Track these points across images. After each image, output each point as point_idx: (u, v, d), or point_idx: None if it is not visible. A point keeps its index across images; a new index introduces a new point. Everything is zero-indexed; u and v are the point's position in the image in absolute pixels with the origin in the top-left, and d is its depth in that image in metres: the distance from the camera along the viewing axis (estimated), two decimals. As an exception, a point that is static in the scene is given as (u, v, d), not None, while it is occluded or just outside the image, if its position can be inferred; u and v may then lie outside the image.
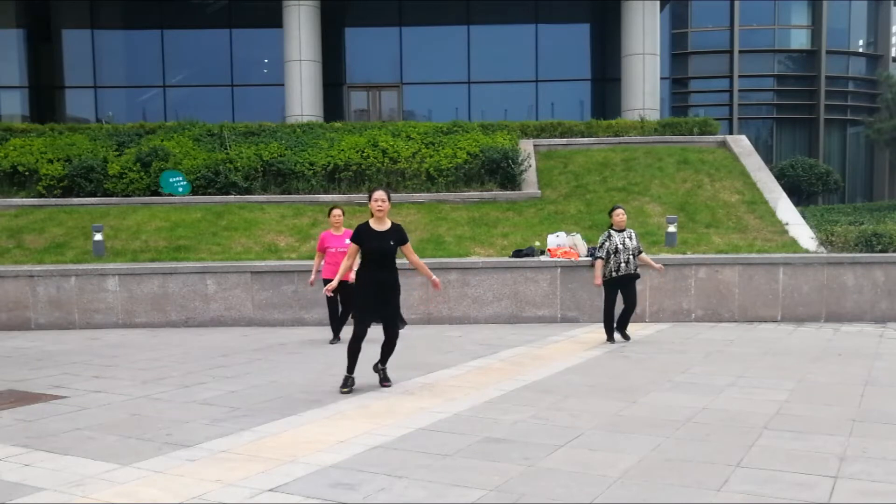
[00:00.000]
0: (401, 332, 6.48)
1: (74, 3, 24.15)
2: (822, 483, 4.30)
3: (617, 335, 9.31)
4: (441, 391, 6.71)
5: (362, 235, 6.50)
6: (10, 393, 6.86)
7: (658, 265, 9.52)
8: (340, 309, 9.38)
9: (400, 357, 8.45)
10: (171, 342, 9.76)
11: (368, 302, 6.53)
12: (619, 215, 9.08)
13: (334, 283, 6.93)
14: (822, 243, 12.20)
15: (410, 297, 11.09)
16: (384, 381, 6.91)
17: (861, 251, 11.48)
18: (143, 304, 11.13)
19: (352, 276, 8.29)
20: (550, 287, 11.10)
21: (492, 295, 11.12)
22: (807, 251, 11.84)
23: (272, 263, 11.33)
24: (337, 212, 9.44)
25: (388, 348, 6.88)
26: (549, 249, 11.58)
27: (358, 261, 6.80)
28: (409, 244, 6.69)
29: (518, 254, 11.59)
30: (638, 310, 11.00)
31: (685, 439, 5.19)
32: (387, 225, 6.55)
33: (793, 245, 12.16)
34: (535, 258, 11.39)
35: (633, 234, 9.14)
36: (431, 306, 11.12)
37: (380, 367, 6.96)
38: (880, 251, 11.39)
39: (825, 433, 5.29)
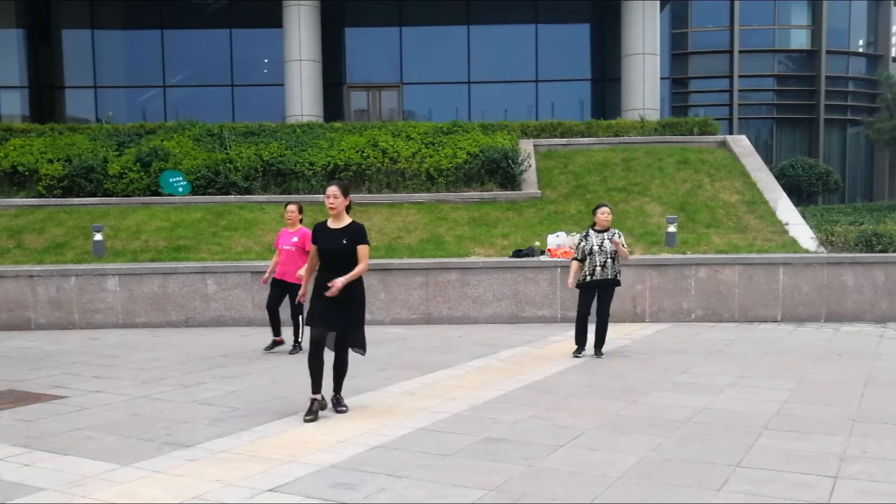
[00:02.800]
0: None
1: (74, 3, 24.14)
2: (822, 483, 4.31)
3: (595, 353, 8.42)
4: (441, 391, 6.71)
5: (316, 233, 5.99)
6: (10, 393, 6.85)
7: (624, 250, 8.28)
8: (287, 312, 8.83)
9: (400, 357, 8.46)
10: (171, 342, 9.76)
11: (316, 306, 5.85)
12: (602, 214, 8.24)
13: (304, 290, 6.36)
14: (822, 243, 12.20)
15: (410, 297, 11.10)
16: (337, 406, 6.05)
17: (861, 251, 11.48)
18: (143, 304, 11.13)
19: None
20: (550, 287, 11.10)
21: (492, 295, 11.12)
22: (807, 251, 11.84)
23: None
24: (291, 207, 8.65)
25: (338, 369, 6.05)
26: (549, 249, 11.58)
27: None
28: (363, 247, 5.87)
29: (518, 254, 11.59)
30: (638, 310, 11.07)
31: (685, 439, 5.19)
32: (344, 223, 5.92)
33: (793, 245, 12.16)
34: (535, 258, 11.39)
35: (617, 236, 8.26)
36: (431, 306, 11.12)
37: (332, 395, 6.09)
38: (880, 251, 11.39)
39: (825, 433, 5.29)
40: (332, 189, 5.88)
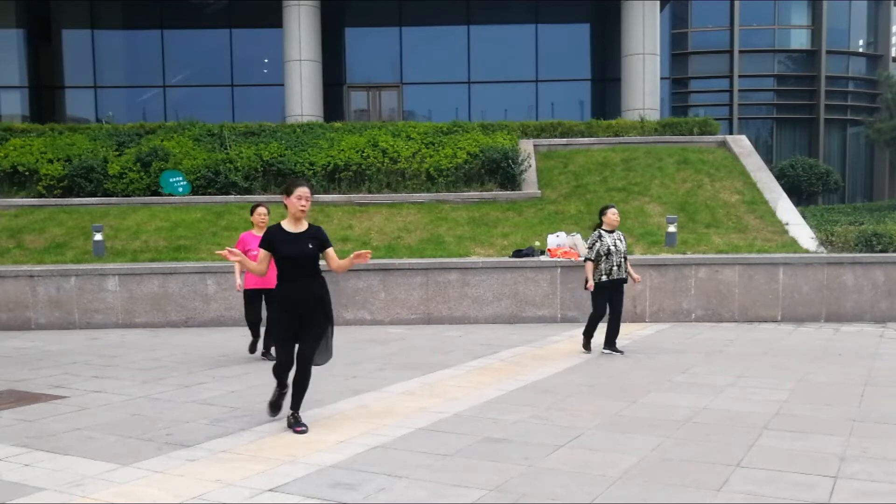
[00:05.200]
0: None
1: (74, 3, 24.15)
2: (822, 483, 4.30)
3: (606, 348, 8.54)
4: (441, 391, 6.71)
5: (275, 239, 5.37)
6: (10, 393, 6.85)
7: (637, 276, 8.60)
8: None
9: (400, 357, 8.46)
10: (171, 342, 9.76)
11: (285, 319, 5.41)
12: (614, 215, 8.43)
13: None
14: (822, 243, 12.20)
15: (410, 297, 11.10)
16: (295, 426, 5.44)
17: (861, 251, 11.48)
18: (143, 304, 11.13)
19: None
20: (550, 287, 11.10)
21: (492, 295, 11.11)
22: (807, 251, 11.84)
23: (272, 263, 11.31)
24: (261, 210, 8.24)
25: (298, 384, 5.45)
26: (549, 249, 11.58)
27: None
28: (332, 249, 5.55)
29: (518, 254, 11.58)
30: (638, 310, 11.06)
31: (685, 439, 5.18)
32: (304, 226, 5.46)
33: (793, 245, 12.17)
34: (535, 258, 11.39)
35: (622, 237, 8.51)
36: (431, 306, 11.11)
37: (289, 413, 5.53)
38: (880, 251, 11.39)
39: (825, 433, 5.29)
40: (306, 191, 5.41)
